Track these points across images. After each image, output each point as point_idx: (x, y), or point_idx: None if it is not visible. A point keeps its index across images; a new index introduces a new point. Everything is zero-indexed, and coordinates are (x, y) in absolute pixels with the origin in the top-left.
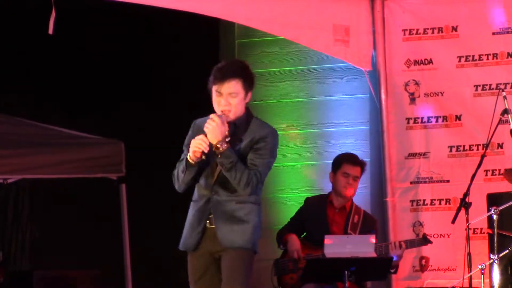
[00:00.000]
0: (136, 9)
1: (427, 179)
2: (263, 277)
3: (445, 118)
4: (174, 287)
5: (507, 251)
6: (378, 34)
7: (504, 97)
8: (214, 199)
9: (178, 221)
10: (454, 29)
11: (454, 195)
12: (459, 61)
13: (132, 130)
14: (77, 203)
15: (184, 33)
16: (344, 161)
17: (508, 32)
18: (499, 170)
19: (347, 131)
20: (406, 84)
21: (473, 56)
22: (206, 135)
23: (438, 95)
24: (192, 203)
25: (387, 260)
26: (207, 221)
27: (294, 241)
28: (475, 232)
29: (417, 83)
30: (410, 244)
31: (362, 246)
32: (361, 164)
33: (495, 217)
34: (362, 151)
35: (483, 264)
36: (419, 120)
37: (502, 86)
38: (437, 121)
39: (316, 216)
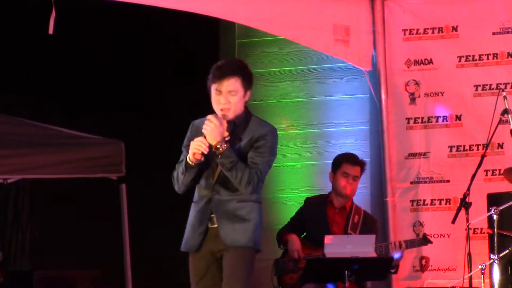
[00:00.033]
0: (136, 9)
1: (427, 179)
2: (263, 277)
3: (445, 118)
4: (174, 287)
5: (507, 251)
6: (378, 34)
7: (504, 97)
8: (215, 199)
9: (178, 221)
10: (454, 29)
11: (454, 195)
12: (459, 61)
13: (132, 130)
14: (77, 203)
15: (184, 33)
16: (343, 161)
17: (508, 32)
18: (499, 170)
19: (347, 131)
20: (406, 84)
21: (473, 56)
22: (205, 137)
23: (438, 95)
24: (193, 204)
25: (387, 260)
26: (209, 221)
27: (295, 241)
28: (475, 232)
29: (417, 83)
30: (410, 244)
31: (362, 246)
32: (360, 163)
33: (495, 217)
34: (362, 151)
35: (483, 264)
36: (419, 120)
37: (502, 86)
38: (437, 121)
39: (316, 216)
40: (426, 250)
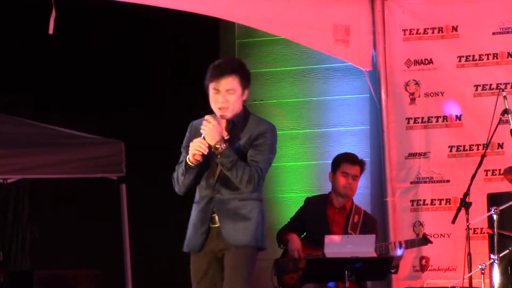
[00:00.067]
0: (136, 9)
1: (427, 179)
2: (263, 277)
3: (445, 118)
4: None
5: (507, 251)
6: (378, 34)
7: (504, 97)
8: (216, 198)
9: (178, 221)
10: (454, 29)
11: (454, 195)
12: (459, 61)
13: (132, 130)
14: (77, 203)
15: (184, 33)
16: (343, 160)
17: (508, 32)
18: (499, 170)
19: (347, 131)
20: (406, 84)
21: (473, 56)
22: (204, 137)
23: (438, 95)
24: (194, 205)
25: (387, 260)
26: (210, 221)
27: (295, 241)
28: (475, 232)
29: (417, 83)
30: (410, 244)
31: (362, 246)
32: (360, 163)
33: (495, 217)
34: (362, 151)
35: (483, 264)
36: (419, 120)
37: (502, 86)
38: (437, 121)
39: (316, 216)
40: (426, 250)
